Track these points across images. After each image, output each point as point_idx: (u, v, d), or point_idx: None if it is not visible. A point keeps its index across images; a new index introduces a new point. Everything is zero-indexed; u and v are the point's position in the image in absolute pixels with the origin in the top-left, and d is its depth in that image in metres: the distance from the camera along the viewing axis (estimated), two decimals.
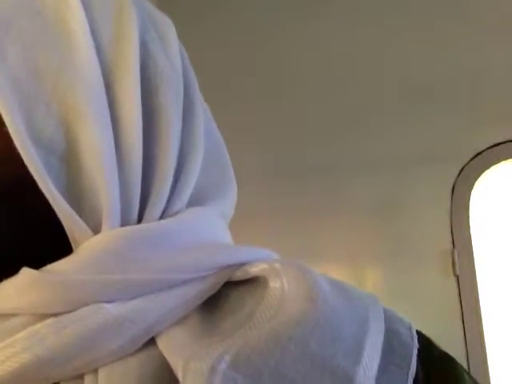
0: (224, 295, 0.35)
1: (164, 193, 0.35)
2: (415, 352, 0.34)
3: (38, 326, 0.31)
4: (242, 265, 0.35)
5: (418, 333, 0.36)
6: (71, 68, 0.33)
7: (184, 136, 0.37)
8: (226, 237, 0.39)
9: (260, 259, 0.36)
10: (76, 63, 0.33)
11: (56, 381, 0.32)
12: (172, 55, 0.37)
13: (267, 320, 0.32)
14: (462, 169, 1.70)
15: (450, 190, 1.70)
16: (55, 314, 0.31)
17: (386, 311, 0.36)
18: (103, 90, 0.33)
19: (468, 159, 1.70)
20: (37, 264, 0.32)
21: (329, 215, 1.75)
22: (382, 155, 1.74)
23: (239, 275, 0.35)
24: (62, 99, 0.32)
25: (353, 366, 0.31)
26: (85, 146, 0.32)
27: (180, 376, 0.30)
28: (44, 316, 0.32)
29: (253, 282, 0.35)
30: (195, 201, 0.37)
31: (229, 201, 0.41)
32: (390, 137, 1.74)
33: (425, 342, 0.36)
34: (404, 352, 0.34)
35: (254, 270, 0.35)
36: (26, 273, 0.32)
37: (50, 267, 0.32)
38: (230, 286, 0.35)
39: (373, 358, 0.32)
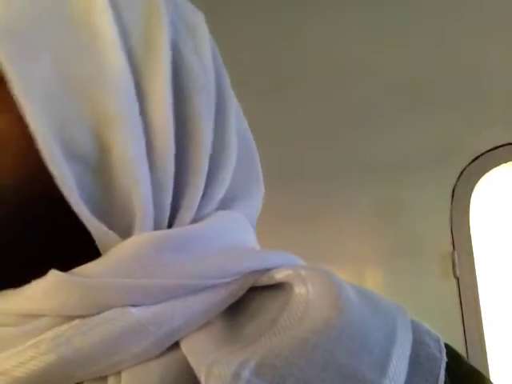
0: (248, 300, 0.35)
1: (196, 199, 0.35)
2: (443, 366, 0.33)
3: (64, 327, 0.31)
4: (266, 270, 0.35)
5: (447, 346, 0.35)
6: (102, 75, 0.32)
7: (216, 140, 0.36)
8: (252, 241, 0.39)
9: (285, 265, 0.35)
10: (106, 69, 0.32)
11: (80, 381, 0.32)
12: (203, 54, 0.37)
13: (292, 326, 0.32)
14: (463, 171, 1.69)
15: (450, 193, 1.70)
16: (81, 316, 0.32)
17: (413, 322, 0.35)
18: (134, 95, 0.32)
19: (468, 162, 1.69)
20: (64, 265, 0.32)
21: (328, 217, 1.75)
22: (382, 158, 1.74)
23: (264, 281, 0.35)
24: (94, 109, 0.32)
25: (379, 378, 0.30)
26: (117, 156, 0.32)
27: (203, 381, 0.30)
28: (70, 318, 0.32)
29: (277, 287, 0.35)
30: (223, 202, 0.37)
31: (254, 202, 0.40)
32: (389, 139, 1.74)
33: (453, 356, 0.35)
34: (432, 365, 0.33)
35: (280, 275, 0.35)
36: (54, 275, 0.32)
37: (77, 270, 0.32)
38: (254, 291, 0.35)
39: (399, 370, 0.31)
